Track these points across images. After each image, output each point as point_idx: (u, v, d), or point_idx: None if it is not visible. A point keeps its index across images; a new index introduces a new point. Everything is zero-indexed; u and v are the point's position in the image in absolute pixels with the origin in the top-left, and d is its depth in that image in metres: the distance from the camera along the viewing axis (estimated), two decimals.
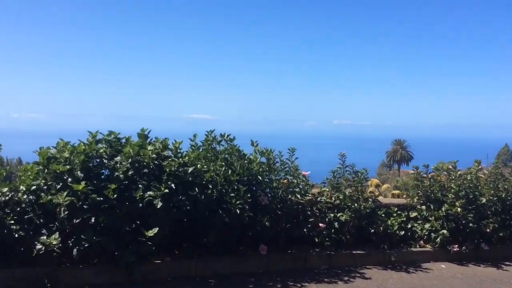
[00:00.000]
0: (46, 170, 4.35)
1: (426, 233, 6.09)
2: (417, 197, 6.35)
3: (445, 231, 5.96)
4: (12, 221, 4.14)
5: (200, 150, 5.29)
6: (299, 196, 5.53)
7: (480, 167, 6.45)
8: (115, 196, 4.27)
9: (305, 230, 5.50)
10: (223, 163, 5.05)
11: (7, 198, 4.25)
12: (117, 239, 4.29)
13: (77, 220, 4.17)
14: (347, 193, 5.85)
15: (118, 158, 4.56)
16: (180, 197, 4.55)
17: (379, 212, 5.99)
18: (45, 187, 4.32)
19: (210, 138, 5.39)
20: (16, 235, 4.13)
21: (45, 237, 4.11)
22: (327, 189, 5.93)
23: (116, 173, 4.44)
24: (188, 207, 4.63)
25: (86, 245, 4.13)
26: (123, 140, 4.82)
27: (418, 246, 6.06)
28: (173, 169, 4.58)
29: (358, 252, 5.65)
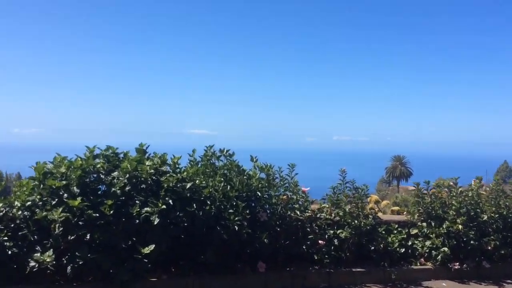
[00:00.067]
0: (41, 186, 4.27)
1: (427, 250, 5.99)
2: (417, 214, 6.27)
3: (446, 249, 5.87)
4: (6, 238, 4.05)
5: (199, 166, 5.24)
6: (298, 213, 5.46)
7: (481, 184, 6.39)
8: (111, 212, 4.19)
9: (304, 247, 5.42)
10: (222, 179, 4.99)
11: (1, 214, 4.17)
12: (112, 256, 4.20)
13: (72, 237, 4.08)
14: (347, 209, 5.78)
15: (115, 174, 4.49)
16: (178, 213, 4.48)
17: (379, 229, 5.91)
18: (40, 202, 4.24)
19: (209, 154, 5.34)
20: (10, 252, 4.04)
21: (39, 254, 4.02)
22: (327, 206, 5.87)
23: (113, 189, 4.37)
24: (186, 224, 4.55)
25: (80, 263, 4.03)
26: (121, 155, 4.76)
27: (418, 264, 5.97)
28: (171, 184, 4.51)
29: (358, 269, 5.57)
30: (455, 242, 5.91)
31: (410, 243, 6.05)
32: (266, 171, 5.39)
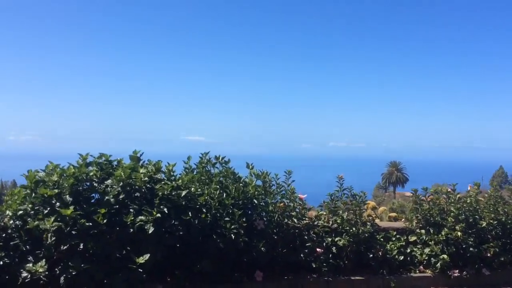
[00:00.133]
0: (33, 194, 4.18)
1: (426, 257, 5.93)
2: (416, 221, 6.21)
3: (445, 256, 5.81)
4: None
5: (194, 173, 5.17)
6: (295, 220, 5.40)
7: (479, 190, 6.34)
8: (105, 221, 4.09)
9: (302, 255, 5.34)
10: (218, 186, 4.91)
11: None
12: (106, 266, 4.09)
13: (65, 247, 3.99)
14: (345, 217, 5.71)
15: (109, 182, 4.40)
16: (173, 221, 4.39)
17: (377, 236, 5.85)
18: (32, 212, 4.14)
19: (205, 161, 5.27)
20: (1, 262, 3.95)
21: (31, 265, 3.92)
22: (325, 213, 5.80)
23: (107, 197, 4.27)
24: (181, 232, 4.46)
25: (73, 273, 3.92)
26: (115, 163, 4.67)
27: (417, 271, 5.91)
28: (165, 192, 4.42)
29: (357, 278, 5.50)
30: (454, 249, 5.85)
31: (409, 250, 5.98)
32: (262, 178, 5.32)
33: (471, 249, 5.87)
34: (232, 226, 4.66)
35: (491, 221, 6.14)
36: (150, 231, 4.17)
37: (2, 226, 4.13)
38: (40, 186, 4.18)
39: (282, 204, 5.43)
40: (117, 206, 4.29)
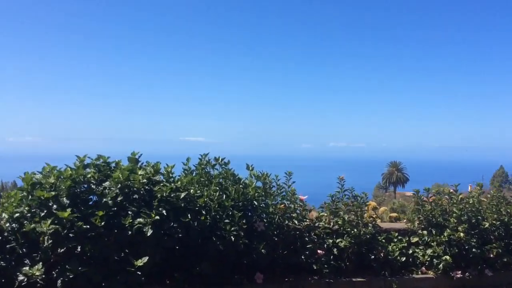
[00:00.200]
0: (30, 197, 4.11)
1: (428, 259, 5.86)
2: (418, 222, 6.15)
3: (447, 257, 5.75)
4: None
5: (193, 175, 5.10)
6: (296, 222, 5.33)
7: (482, 190, 6.29)
8: (103, 223, 4.03)
9: (303, 257, 5.27)
10: (217, 188, 4.85)
11: None
12: (104, 269, 4.03)
13: (62, 250, 3.92)
14: (346, 218, 5.65)
15: (106, 184, 4.33)
16: (172, 224, 4.32)
17: (379, 237, 5.79)
18: (29, 214, 4.07)
19: (204, 162, 5.21)
20: None
21: (27, 268, 3.84)
22: (326, 214, 5.74)
23: (105, 199, 4.21)
24: (180, 235, 4.39)
25: (71, 276, 3.85)
26: (113, 165, 4.61)
27: (420, 273, 5.84)
28: (164, 194, 4.36)
29: (358, 279, 5.43)
30: (456, 250, 5.79)
31: (411, 251, 5.92)
32: (262, 179, 5.26)
33: (473, 250, 5.82)
34: (232, 228, 4.60)
35: (494, 221, 6.09)
36: (148, 234, 4.10)
37: None
38: (36, 189, 4.11)
39: (282, 205, 5.37)
40: (115, 209, 4.22)
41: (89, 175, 4.34)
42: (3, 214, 4.11)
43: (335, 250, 5.48)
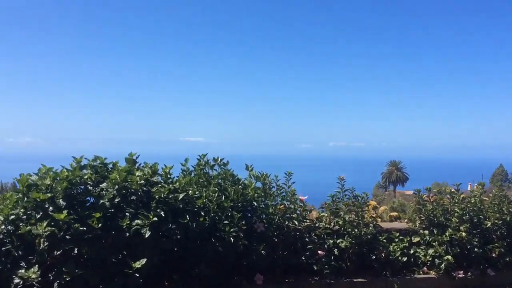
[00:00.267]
0: (25, 199, 4.04)
1: (430, 258, 5.81)
2: (419, 221, 6.10)
3: (449, 257, 5.70)
4: None
5: (192, 175, 5.03)
6: (296, 222, 5.27)
7: (484, 189, 6.24)
8: (100, 225, 3.96)
9: (303, 257, 5.22)
10: (216, 189, 4.78)
11: None
12: (101, 271, 3.96)
13: (58, 252, 3.86)
14: (347, 218, 5.60)
15: (104, 185, 4.26)
16: (170, 225, 4.25)
17: (380, 237, 5.73)
18: (25, 216, 4.00)
19: (203, 163, 5.14)
20: None
21: (23, 271, 3.78)
22: (326, 215, 5.68)
23: (102, 201, 4.14)
24: (179, 236, 4.32)
25: (67, 279, 3.79)
26: (110, 166, 4.53)
27: (421, 273, 5.79)
28: (162, 195, 4.29)
29: (359, 280, 5.38)
30: (458, 250, 5.75)
31: (412, 251, 5.87)
32: (262, 180, 5.19)
33: (475, 249, 5.78)
34: (231, 229, 4.53)
35: (496, 221, 6.05)
36: (146, 235, 4.04)
37: None
38: (32, 190, 4.04)
39: (282, 206, 5.31)
40: (112, 210, 4.16)
41: (86, 177, 4.27)
42: None
43: (335, 250, 5.42)
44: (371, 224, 5.68)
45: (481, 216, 5.99)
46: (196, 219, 4.43)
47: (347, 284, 5.30)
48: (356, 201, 5.71)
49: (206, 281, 4.61)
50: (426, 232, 5.96)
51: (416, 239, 5.97)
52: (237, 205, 4.80)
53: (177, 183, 4.54)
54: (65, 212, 3.87)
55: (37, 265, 3.81)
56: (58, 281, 3.81)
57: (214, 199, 4.63)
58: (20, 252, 3.95)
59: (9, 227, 4.00)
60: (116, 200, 4.19)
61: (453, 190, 6.14)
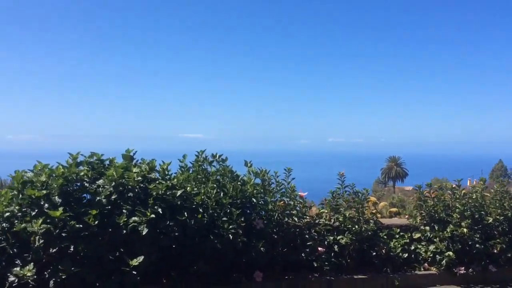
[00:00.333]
0: (20, 196, 3.98)
1: (431, 255, 5.77)
2: (420, 218, 6.05)
3: (450, 253, 5.66)
4: None
5: (190, 172, 4.97)
6: (296, 219, 5.21)
7: (485, 185, 6.18)
8: (96, 222, 3.90)
9: (303, 254, 5.17)
10: (215, 185, 4.72)
11: None
12: (98, 268, 3.90)
13: (54, 250, 3.79)
14: (347, 214, 5.54)
15: (100, 182, 4.19)
16: (168, 222, 4.19)
17: (381, 233, 5.69)
18: (20, 213, 3.94)
19: (201, 159, 5.08)
20: None
21: (18, 268, 3.72)
22: (326, 211, 5.62)
23: (98, 198, 4.07)
24: (177, 233, 4.26)
25: (63, 277, 3.73)
26: (107, 162, 4.47)
27: (422, 269, 5.76)
28: (160, 192, 4.22)
29: (360, 276, 5.34)
30: (460, 246, 5.70)
31: (413, 247, 5.83)
32: (261, 176, 5.13)
33: (477, 245, 5.73)
34: (230, 226, 4.48)
35: (498, 216, 6.00)
36: (144, 232, 3.98)
37: None
38: (27, 187, 3.98)
39: (282, 202, 5.25)
40: (109, 207, 4.09)
41: (82, 173, 4.20)
42: None
43: (336, 247, 5.38)
44: (371, 220, 5.63)
45: (482, 212, 5.93)
46: (194, 216, 4.37)
47: (347, 281, 5.25)
48: (357, 197, 5.66)
49: (205, 278, 4.56)
50: (427, 228, 5.91)
51: (417, 235, 5.92)
52: (236, 202, 4.74)
53: (175, 180, 4.47)
54: (60, 209, 3.81)
55: (32, 263, 3.76)
56: (54, 279, 3.75)
57: (213, 195, 4.57)
58: (15, 249, 3.89)
59: (4, 224, 3.93)
60: (113, 197, 4.12)
61: (454, 185, 6.08)
